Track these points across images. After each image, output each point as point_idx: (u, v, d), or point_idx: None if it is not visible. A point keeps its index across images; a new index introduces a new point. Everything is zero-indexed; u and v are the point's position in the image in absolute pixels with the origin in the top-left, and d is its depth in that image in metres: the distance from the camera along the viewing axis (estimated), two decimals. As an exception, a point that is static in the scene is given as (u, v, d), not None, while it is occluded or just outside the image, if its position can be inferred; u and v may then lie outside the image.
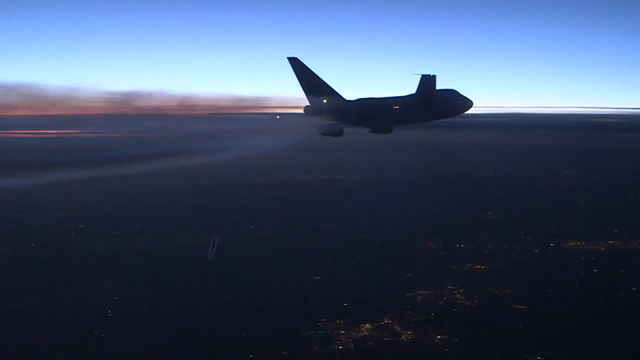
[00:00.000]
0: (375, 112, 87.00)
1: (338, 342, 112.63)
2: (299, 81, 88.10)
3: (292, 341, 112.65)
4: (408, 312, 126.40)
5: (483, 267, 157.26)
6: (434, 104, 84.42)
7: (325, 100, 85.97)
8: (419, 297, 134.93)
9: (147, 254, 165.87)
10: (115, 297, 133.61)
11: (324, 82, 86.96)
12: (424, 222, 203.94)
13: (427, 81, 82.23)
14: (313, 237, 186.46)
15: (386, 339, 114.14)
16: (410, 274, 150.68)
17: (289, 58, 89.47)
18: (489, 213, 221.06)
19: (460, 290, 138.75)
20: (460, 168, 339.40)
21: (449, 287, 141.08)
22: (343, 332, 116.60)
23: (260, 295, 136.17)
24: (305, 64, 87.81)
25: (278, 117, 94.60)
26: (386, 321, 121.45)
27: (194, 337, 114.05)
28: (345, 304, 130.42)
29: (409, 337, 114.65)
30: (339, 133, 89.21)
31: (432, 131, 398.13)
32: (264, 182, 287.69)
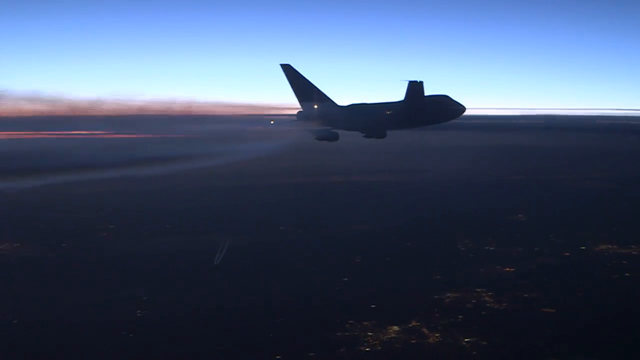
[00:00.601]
0: (368, 118, 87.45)
1: (365, 343, 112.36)
2: (292, 87, 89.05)
3: (320, 342, 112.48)
4: (436, 314, 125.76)
5: (512, 269, 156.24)
6: (423, 109, 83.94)
7: (316, 106, 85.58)
8: (447, 300, 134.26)
9: (176, 255, 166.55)
10: (144, 297, 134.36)
11: (317, 88, 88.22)
12: (453, 225, 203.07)
13: (415, 87, 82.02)
14: (343, 238, 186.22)
15: (413, 341, 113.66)
16: (439, 276, 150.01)
17: (281, 65, 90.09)
18: (519, 215, 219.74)
19: (489, 293, 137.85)
20: (483, 170, 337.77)
21: (478, 289, 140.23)
22: (370, 333, 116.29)
23: (287, 296, 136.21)
24: (298, 71, 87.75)
25: (272, 121, 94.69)
26: (414, 323, 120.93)
27: (221, 337, 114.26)
28: (373, 306, 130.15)
29: (437, 340, 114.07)
30: (335, 138, 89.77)
31: (436, 133, 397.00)
32: (293, 184, 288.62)
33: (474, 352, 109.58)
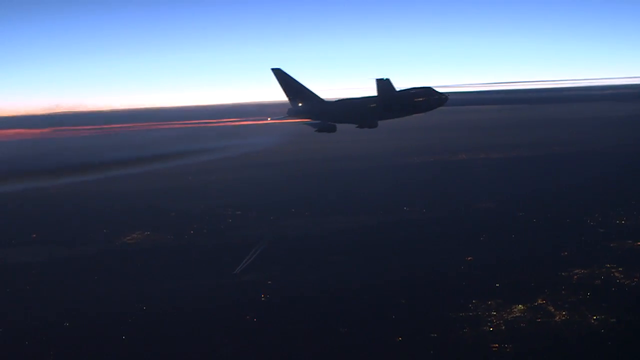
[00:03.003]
0: (354, 111, 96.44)
1: (489, 323, 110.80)
2: (283, 89, 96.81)
3: (442, 323, 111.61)
4: (563, 291, 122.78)
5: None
6: (398, 101, 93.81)
7: (301, 104, 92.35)
8: (575, 276, 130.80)
9: (301, 239, 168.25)
10: (269, 281, 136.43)
11: (306, 88, 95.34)
12: (581, 198, 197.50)
13: (382, 84, 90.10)
14: (467, 217, 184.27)
15: (539, 320, 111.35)
16: (566, 252, 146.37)
17: (272, 69, 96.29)
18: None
19: (620, 269, 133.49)
20: (601, 142, 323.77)
21: (608, 265, 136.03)
22: (494, 313, 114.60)
23: (411, 276, 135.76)
24: (288, 73, 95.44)
25: (269, 118, 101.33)
26: (539, 302, 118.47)
27: (343, 319, 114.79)
28: (497, 285, 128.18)
29: (563, 318, 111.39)
30: (333, 129, 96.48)
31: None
32: (419, 163, 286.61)
33: (602, 330, 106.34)
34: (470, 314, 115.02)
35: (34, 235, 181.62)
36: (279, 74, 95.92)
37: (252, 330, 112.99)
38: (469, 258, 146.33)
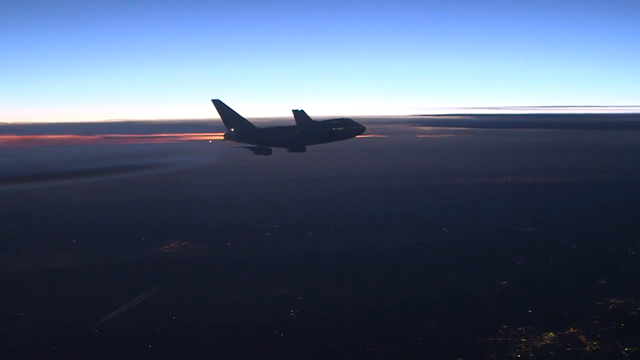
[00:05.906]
0: (281, 137, 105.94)
1: (517, 350, 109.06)
2: (221, 116, 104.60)
3: (470, 347, 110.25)
4: (596, 321, 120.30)
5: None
6: (316, 129, 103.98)
7: (232, 130, 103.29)
8: (610, 306, 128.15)
9: (336, 255, 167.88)
10: (300, 297, 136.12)
11: (241, 116, 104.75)
12: (625, 225, 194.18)
13: (298, 114, 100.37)
14: (506, 240, 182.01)
15: (569, 349, 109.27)
16: (604, 281, 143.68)
17: (213, 100, 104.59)
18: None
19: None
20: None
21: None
22: (524, 340, 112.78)
23: (443, 298, 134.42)
24: (226, 104, 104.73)
25: (211, 141, 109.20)
26: (571, 330, 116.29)
27: (370, 338, 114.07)
28: (530, 311, 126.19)
29: (594, 348, 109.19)
30: (268, 152, 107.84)
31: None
32: (464, 184, 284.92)
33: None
34: (499, 339, 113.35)
35: (74, 241, 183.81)
36: (218, 104, 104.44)
37: (277, 346, 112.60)
38: (504, 282, 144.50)
